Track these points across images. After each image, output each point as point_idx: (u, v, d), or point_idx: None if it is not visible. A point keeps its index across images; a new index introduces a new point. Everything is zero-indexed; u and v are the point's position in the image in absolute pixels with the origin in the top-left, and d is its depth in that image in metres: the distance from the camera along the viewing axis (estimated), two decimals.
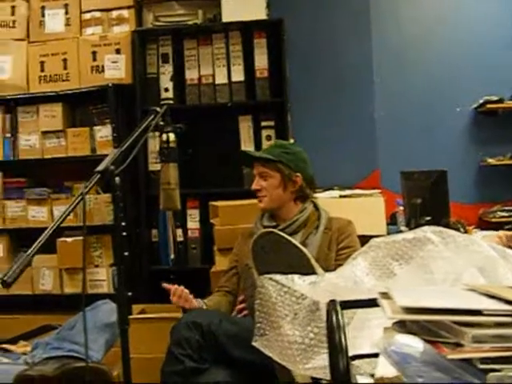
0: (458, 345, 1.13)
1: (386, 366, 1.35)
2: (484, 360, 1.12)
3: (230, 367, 2.82)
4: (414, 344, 1.24)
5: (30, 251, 2.08)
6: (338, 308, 1.30)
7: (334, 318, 1.27)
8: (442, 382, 1.13)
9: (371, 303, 1.35)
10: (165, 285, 3.08)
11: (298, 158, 3.16)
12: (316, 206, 3.17)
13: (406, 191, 3.68)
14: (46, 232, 2.17)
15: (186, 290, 3.09)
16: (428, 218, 3.34)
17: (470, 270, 1.58)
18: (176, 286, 3.11)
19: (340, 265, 2.81)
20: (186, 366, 2.81)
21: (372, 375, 1.46)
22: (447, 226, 3.00)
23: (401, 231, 3.52)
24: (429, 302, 1.15)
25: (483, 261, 1.63)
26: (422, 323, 1.22)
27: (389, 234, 3.47)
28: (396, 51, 4.62)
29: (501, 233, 3.29)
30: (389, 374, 1.36)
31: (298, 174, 3.12)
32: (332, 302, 1.33)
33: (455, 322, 1.13)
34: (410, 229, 3.25)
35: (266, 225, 3.14)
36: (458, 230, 3.24)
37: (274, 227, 3.06)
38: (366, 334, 1.66)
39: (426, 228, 1.81)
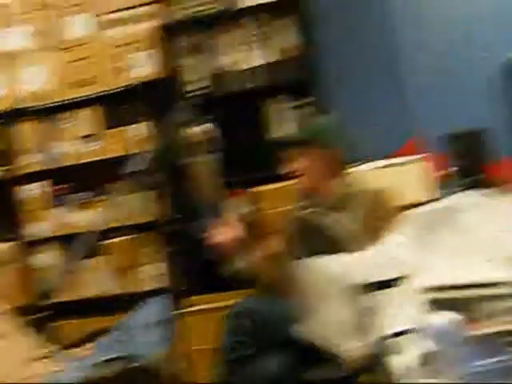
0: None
1: (425, 341, 1.35)
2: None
3: (284, 350, 2.82)
4: (444, 319, 1.24)
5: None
6: (367, 291, 1.29)
7: (363, 302, 1.26)
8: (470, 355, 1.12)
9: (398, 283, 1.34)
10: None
11: (331, 133, 3.11)
12: (355, 180, 3.12)
13: (451, 153, 3.61)
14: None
15: None
16: (475, 178, 3.28)
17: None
18: None
19: (380, 236, 2.80)
20: (240, 354, 2.84)
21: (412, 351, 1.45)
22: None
23: (450, 194, 3.46)
24: (448, 279, 1.14)
25: None
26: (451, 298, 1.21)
27: (438, 198, 3.40)
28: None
29: None
30: (429, 348, 1.36)
31: (333, 149, 3.05)
32: (360, 286, 1.31)
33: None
34: (461, 191, 3.20)
35: (304, 206, 3.10)
36: None
37: (313, 206, 3.04)
38: (406, 309, 1.64)
39: (458, 195, 1.78)
